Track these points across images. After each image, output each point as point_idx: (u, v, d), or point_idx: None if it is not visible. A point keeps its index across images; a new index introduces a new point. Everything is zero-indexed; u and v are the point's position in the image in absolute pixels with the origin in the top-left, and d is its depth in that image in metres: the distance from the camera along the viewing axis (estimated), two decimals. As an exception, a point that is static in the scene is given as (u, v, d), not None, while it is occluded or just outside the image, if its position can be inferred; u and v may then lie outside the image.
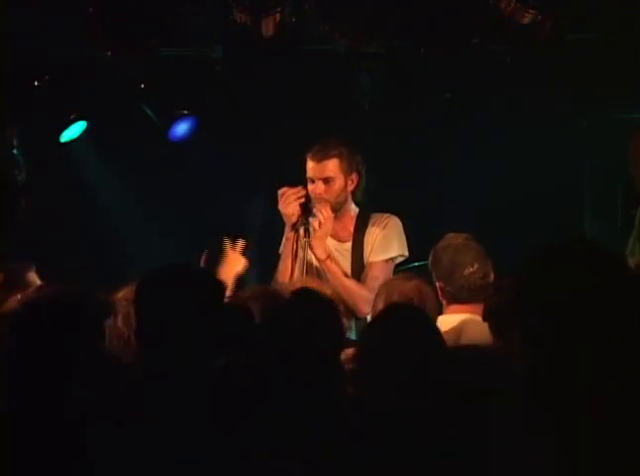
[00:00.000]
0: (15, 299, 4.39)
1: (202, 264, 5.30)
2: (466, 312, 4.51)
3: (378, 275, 5.36)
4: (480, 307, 4.34)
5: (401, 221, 5.58)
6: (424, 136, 7.52)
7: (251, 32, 6.20)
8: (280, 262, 5.54)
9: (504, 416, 2.49)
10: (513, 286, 2.72)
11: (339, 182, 5.49)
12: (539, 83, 6.81)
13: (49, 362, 3.25)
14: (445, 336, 3.66)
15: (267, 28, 6.20)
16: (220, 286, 3.47)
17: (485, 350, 3.29)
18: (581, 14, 6.31)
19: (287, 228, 5.56)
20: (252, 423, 3.02)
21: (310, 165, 5.50)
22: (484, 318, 4.11)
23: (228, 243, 5.26)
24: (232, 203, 7.65)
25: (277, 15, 6.18)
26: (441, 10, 6.18)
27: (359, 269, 5.51)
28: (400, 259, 5.56)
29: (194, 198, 7.80)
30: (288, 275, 5.48)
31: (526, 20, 6.13)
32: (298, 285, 4.73)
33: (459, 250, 4.57)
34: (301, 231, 5.52)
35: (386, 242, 5.51)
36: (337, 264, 5.43)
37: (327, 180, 5.47)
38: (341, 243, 5.58)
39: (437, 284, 4.61)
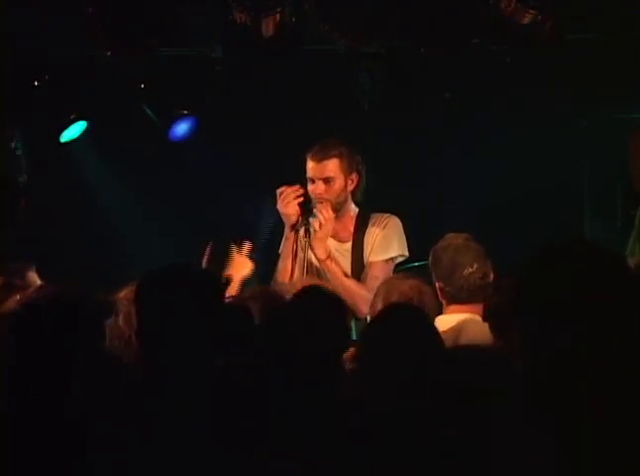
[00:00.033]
0: (14, 300, 4.39)
1: (206, 257, 5.31)
2: (465, 312, 4.51)
3: (379, 275, 5.36)
4: (479, 308, 4.34)
5: (401, 221, 5.58)
6: (424, 136, 7.52)
7: (251, 32, 6.21)
8: (280, 262, 5.54)
9: (504, 416, 2.49)
10: (513, 286, 2.72)
11: (339, 182, 5.49)
12: (539, 83, 6.81)
13: (48, 362, 3.25)
14: (444, 336, 3.66)
15: (267, 28, 6.20)
16: (220, 286, 3.48)
17: (485, 350, 3.30)
18: (581, 14, 6.31)
19: (287, 228, 5.56)
20: (252, 423, 3.02)
21: (310, 165, 5.50)
22: (484, 318, 4.11)
23: (234, 247, 5.26)
24: (232, 203, 7.65)
25: (277, 15, 6.19)
26: (441, 10, 6.18)
27: (359, 269, 5.51)
28: (400, 259, 5.56)
29: (194, 198, 7.80)
30: (288, 275, 5.48)
31: (526, 20, 6.13)
32: (298, 285, 4.74)
33: (458, 250, 4.57)
34: (301, 232, 5.52)
35: (386, 242, 5.51)
36: (337, 264, 5.43)
37: (327, 180, 5.47)
38: (341, 243, 5.58)
39: (436, 284, 4.61)
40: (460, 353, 3.23)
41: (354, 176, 5.53)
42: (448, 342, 3.79)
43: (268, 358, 3.32)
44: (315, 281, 4.97)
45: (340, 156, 5.47)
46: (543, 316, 2.44)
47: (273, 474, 2.96)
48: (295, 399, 3.13)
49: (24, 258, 5.39)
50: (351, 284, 5.35)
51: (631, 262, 5.13)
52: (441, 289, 4.60)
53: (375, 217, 5.58)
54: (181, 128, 7.23)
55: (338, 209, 5.50)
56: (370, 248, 5.52)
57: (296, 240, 5.53)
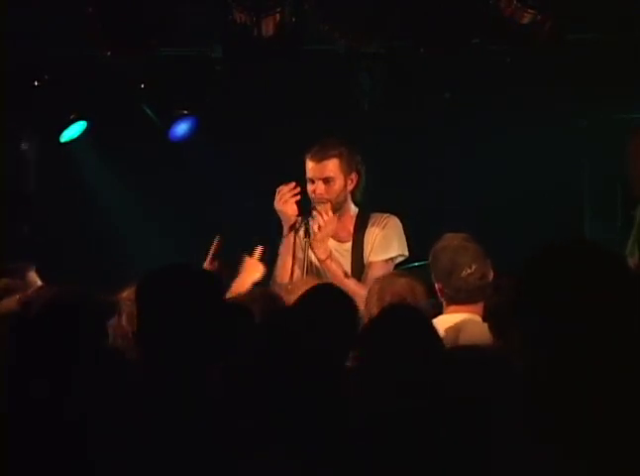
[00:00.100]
0: (14, 300, 4.40)
1: (211, 252, 5.31)
2: (464, 313, 4.50)
3: (379, 275, 5.35)
4: (478, 308, 4.34)
5: (401, 221, 5.58)
6: (424, 136, 7.52)
7: (251, 32, 6.21)
8: (279, 261, 5.54)
9: (504, 417, 2.49)
10: (513, 285, 2.72)
11: (339, 182, 5.49)
12: (539, 83, 6.81)
13: (48, 362, 3.25)
14: (443, 336, 3.66)
15: (267, 28, 6.20)
16: (220, 285, 3.47)
17: (485, 350, 3.29)
18: (581, 14, 6.32)
19: (285, 227, 5.55)
20: (252, 423, 3.02)
21: (310, 165, 5.50)
22: (485, 319, 4.11)
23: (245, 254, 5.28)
24: (232, 203, 7.66)
25: (277, 15, 6.19)
26: (441, 10, 6.18)
27: (359, 269, 5.51)
28: (400, 259, 5.56)
29: (194, 198, 7.80)
30: (288, 275, 5.48)
31: (526, 20, 6.13)
32: (298, 284, 4.75)
33: (457, 251, 4.56)
34: (301, 232, 5.52)
35: (386, 242, 5.51)
36: (337, 264, 5.43)
37: (327, 181, 5.47)
38: (341, 243, 5.58)
39: (436, 284, 4.61)
40: (459, 353, 3.23)
41: (353, 175, 5.53)
42: (447, 342, 3.79)
43: (268, 358, 3.31)
44: (315, 281, 4.97)
45: (339, 156, 5.48)
46: (543, 316, 2.44)
47: (273, 474, 2.96)
48: (295, 399, 3.13)
49: (24, 258, 5.39)
50: (351, 284, 5.34)
51: (631, 262, 5.13)
52: (440, 289, 4.60)
53: (375, 217, 5.58)
54: (181, 128, 7.23)
55: (337, 209, 5.50)
56: (369, 248, 5.52)
57: (295, 240, 5.53)
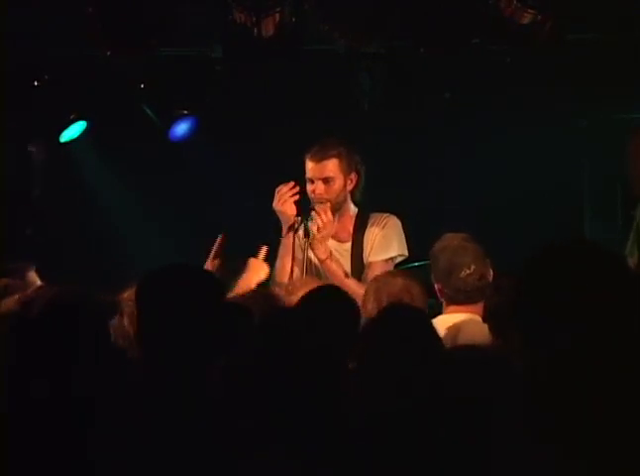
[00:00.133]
0: (14, 299, 4.40)
1: (214, 249, 5.32)
2: (464, 313, 4.50)
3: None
4: (478, 308, 4.34)
5: (401, 221, 5.58)
6: (424, 136, 7.52)
7: (251, 32, 6.21)
8: (278, 261, 5.53)
9: (504, 417, 2.49)
10: (513, 286, 2.72)
11: (338, 182, 5.49)
12: (539, 83, 6.81)
13: (48, 362, 3.25)
14: (443, 336, 3.65)
15: (267, 28, 6.20)
16: (220, 285, 3.47)
17: (485, 350, 3.29)
18: (581, 14, 6.32)
19: (284, 227, 5.55)
20: (252, 423, 3.02)
21: (309, 165, 5.50)
22: (485, 319, 4.11)
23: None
24: (232, 203, 7.65)
25: (277, 15, 6.19)
26: (441, 10, 6.18)
27: (358, 269, 5.51)
28: (400, 259, 5.56)
29: (194, 198, 7.80)
30: (287, 274, 5.48)
31: (526, 20, 6.13)
32: (298, 284, 4.75)
33: (456, 252, 4.56)
34: (300, 232, 5.52)
35: (386, 242, 5.51)
36: (338, 264, 5.43)
37: (327, 181, 5.47)
38: (340, 243, 5.58)
39: (435, 285, 4.61)
40: (459, 353, 3.23)
41: (353, 175, 5.53)
42: (446, 342, 3.79)
43: (269, 358, 3.32)
44: (315, 280, 4.97)
45: (339, 156, 5.48)
46: (543, 316, 2.44)
47: (273, 474, 2.96)
48: (295, 399, 3.13)
49: (24, 258, 5.39)
50: (351, 284, 5.34)
51: (630, 262, 5.14)
52: (439, 290, 4.60)
53: (375, 217, 5.58)
54: (181, 128, 7.23)
55: (337, 209, 5.50)
56: (369, 248, 5.52)
57: (294, 240, 5.53)
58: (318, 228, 5.38)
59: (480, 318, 4.24)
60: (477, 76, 6.86)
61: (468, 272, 4.53)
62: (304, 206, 5.51)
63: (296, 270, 5.49)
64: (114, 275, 5.44)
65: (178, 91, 7.00)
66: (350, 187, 5.55)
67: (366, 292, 4.57)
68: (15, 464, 3.07)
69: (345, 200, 5.56)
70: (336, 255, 5.50)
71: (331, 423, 3.03)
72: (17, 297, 4.43)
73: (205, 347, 3.22)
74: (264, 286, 5.16)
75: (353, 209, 5.62)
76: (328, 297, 3.94)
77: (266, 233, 5.60)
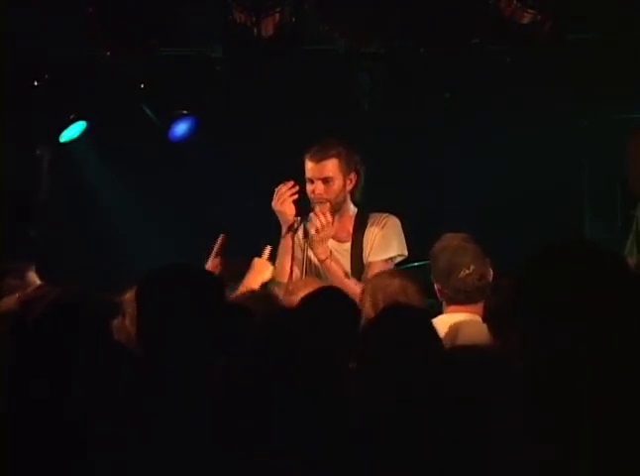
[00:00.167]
0: (14, 299, 4.40)
1: (216, 248, 5.32)
2: (464, 313, 4.50)
3: (377, 275, 5.36)
4: (477, 308, 4.35)
5: (401, 221, 5.58)
6: (424, 136, 7.53)
7: (251, 32, 6.21)
8: (277, 261, 5.53)
9: (504, 417, 2.49)
10: (513, 285, 2.72)
11: (338, 182, 5.49)
12: (539, 83, 6.81)
13: (48, 362, 3.25)
14: (443, 336, 3.65)
15: (267, 28, 6.20)
16: (220, 285, 3.47)
17: (485, 350, 3.29)
18: (581, 14, 6.32)
19: (283, 227, 5.54)
20: (252, 423, 3.02)
21: (309, 165, 5.49)
22: (484, 319, 4.11)
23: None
24: (232, 203, 7.66)
25: (277, 15, 6.19)
26: (441, 10, 6.19)
27: (358, 269, 5.50)
28: (399, 259, 5.56)
29: (194, 198, 7.81)
30: (287, 274, 5.47)
31: (526, 20, 6.13)
32: (298, 284, 4.75)
33: (455, 252, 4.56)
34: (300, 232, 5.52)
35: (386, 242, 5.51)
36: (338, 264, 5.43)
37: (326, 181, 5.47)
38: (340, 243, 5.58)
39: (435, 285, 4.61)
40: (459, 353, 3.23)
41: (352, 175, 5.53)
42: (446, 342, 3.79)
43: (269, 358, 3.32)
44: (315, 280, 4.97)
45: (338, 156, 5.47)
46: (543, 316, 2.44)
47: (273, 474, 2.96)
48: (295, 399, 3.13)
49: (24, 258, 5.39)
50: (351, 284, 5.34)
51: (630, 262, 5.14)
52: (439, 290, 4.60)
53: (374, 217, 5.58)
54: (181, 128, 7.24)
55: (337, 209, 5.50)
56: (369, 248, 5.51)
57: (294, 240, 5.53)
58: (317, 229, 5.38)
59: (479, 318, 4.24)
60: (477, 76, 6.86)
61: (467, 272, 4.52)
62: (304, 206, 5.51)
63: (296, 270, 5.49)
64: (114, 275, 5.45)
65: (178, 91, 7.00)
66: (349, 187, 5.55)
67: (362, 292, 4.57)
68: (15, 464, 3.07)
69: (344, 200, 5.55)
70: (336, 255, 5.50)
71: (331, 424, 3.03)
72: (17, 296, 4.44)
73: (205, 347, 3.23)
74: (263, 286, 5.16)
75: (352, 209, 5.61)
76: (329, 298, 3.94)
77: (268, 233, 5.60)
